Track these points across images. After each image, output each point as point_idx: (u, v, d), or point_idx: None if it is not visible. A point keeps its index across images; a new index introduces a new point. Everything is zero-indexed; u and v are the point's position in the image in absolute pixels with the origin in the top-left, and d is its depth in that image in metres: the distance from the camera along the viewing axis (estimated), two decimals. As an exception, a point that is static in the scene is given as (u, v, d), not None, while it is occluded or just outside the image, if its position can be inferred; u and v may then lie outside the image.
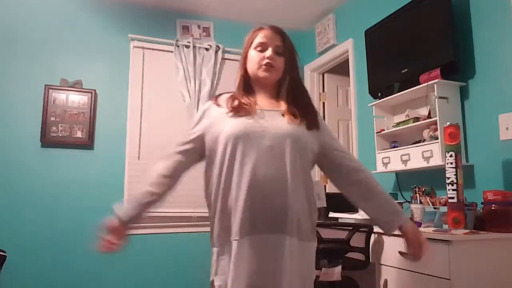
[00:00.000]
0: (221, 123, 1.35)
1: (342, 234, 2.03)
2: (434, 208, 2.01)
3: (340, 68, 3.61)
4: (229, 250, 1.30)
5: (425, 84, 2.22)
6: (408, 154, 2.34)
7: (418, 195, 2.17)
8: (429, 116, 2.23)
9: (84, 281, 2.99)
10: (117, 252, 1.39)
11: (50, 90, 3.05)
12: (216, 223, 1.38)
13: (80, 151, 3.13)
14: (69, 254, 2.98)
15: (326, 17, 3.56)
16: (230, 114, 1.34)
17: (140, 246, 3.17)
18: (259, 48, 1.38)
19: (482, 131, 2.09)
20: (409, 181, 2.45)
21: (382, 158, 2.55)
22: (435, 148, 2.14)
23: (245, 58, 1.44)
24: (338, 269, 1.90)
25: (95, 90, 3.19)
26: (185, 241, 3.29)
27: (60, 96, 3.08)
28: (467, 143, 2.17)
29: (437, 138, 2.14)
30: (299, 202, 1.30)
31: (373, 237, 2.03)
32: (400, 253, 1.83)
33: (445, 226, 1.86)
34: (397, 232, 1.44)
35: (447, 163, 1.85)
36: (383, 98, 2.59)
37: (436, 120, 2.14)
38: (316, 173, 3.32)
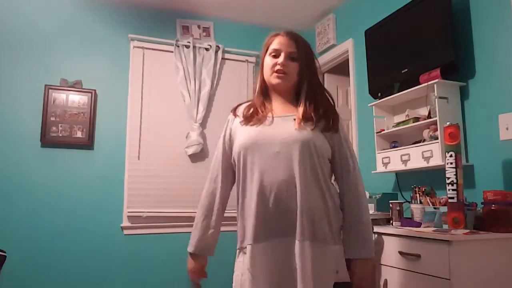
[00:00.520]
0: (236, 134, 1.43)
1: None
2: (434, 208, 2.01)
3: (340, 68, 3.61)
4: (243, 254, 1.36)
5: (425, 84, 2.22)
6: (408, 154, 2.34)
7: (418, 195, 2.17)
8: (429, 116, 2.23)
9: (84, 281, 2.99)
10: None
11: (50, 90, 3.05)
12: (238, 227, 1.42)
13: (80, 151, 3.13)
14: (69, 254, 2.98)
15: (326, 17, 3.56)
16: (243, 123, 1.41)
17: (140, 246, 3.17)
18: (273, 54, 1.40)
19: (482, 131, 2.09)
20: (409, 181, 2.45)
21: (382, 158, 2.55)
22: (435, 148, 2.14)
23: (262, 64, 1.46)
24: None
25: (95, 90, 3.19)
26: (185, 241, 3.27)
27: (60, 96, 3.08)
28: (467, 143, 2.17)
29: (437, 138, 2.14)
30: (312, 205, 1.29)
31: (373, 237, 2.03)
32: (400, 253, 1.84)
33: (445, 226, 1.85)
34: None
35: (447, 163, 1.85)
36: (383, 98, 2.59)
37: (436, 120, 2.14)
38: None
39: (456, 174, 1.82)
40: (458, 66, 2.16)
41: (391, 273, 1.90)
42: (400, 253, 1.83)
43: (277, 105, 1.43)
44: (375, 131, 2.63)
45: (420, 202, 2.13)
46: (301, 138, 1.31)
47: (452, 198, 1.81)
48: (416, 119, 2.33)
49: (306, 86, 1.39)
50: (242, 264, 1.36)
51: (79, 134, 3.11)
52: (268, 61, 1.41)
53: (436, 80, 2.16)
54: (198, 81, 3.42)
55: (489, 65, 2.08)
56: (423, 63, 2.31)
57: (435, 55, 2.24)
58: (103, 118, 3.22)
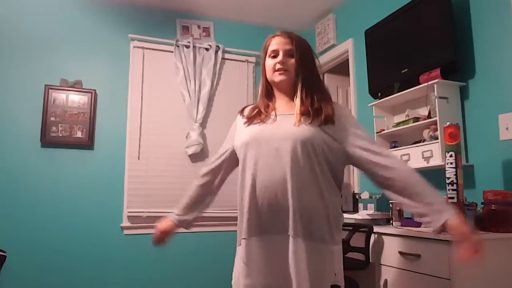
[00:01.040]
0: (240, 133, 1.46)
1: (342, 234, 2.03)
2: (434, 208, 2.00)
3: (340, 68, 3.61)
4: (240, 248, 1.39)
5: (425, 84, 2.22)
6: (408, 154, 2.34)
7: (418, 195, 2.16)
8: (429, 116, 2.23)
9: (84, 281, 2.99)
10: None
11: (50, 90, 3.05)
12: (238, 223, 1.45)
13: (80, 151, 3.13)
14: (69, 254, 2.98)
15: (326, 17, 3.56)
16: (246, 124, 1.44)
17: (140, 246, 3.17)
18: (272, 55, 1.43)
19: (482, 131, 2.09)
20: (409, 181, 2.44)
21: (382, 158, 2.55)
22: (435, 148, 2.14)
23: (263, 66, 1.49)
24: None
25: (95, 90, 3.19)
26: (185, 241, 3.29)
27: (60, 96, 3.08)
28: (467, 143, 2.17)
29: (437, 138, 2.14)
30: (307, 203, 1.29)
31: (373, 237, 2.03)
32: (400, 253, 1.84)
33: (445, 226, 1.85)
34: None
35: (447, 163, 1.85)
36: (383, 98, 2.59)
37: (436, 120, 2.14)
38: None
39: (456, 174, 1.82)
40: (458, 66, 2.16)
41: (391, 273, 1.90)
42: (400, 253, 1.84)
43: (282, 104, 1.45)
44: (375, 131, 2.63)
45: (420, 202, 2.12)
46: (298, 135, 1.31)
47: (452, 198, 1.81)
48: (416, 119, 2.33)
49: (302, 81, 1.41)
50: (238, 261, 1.39)
51: (79, 134, 3.11)
52: (269, 62, 1.45)
53: (436, 80, 2.16)
54: (198, 81, 3.42)
55: (489, 65, 2.08)
56: (423, 63, 2.31)
57: (435, 55, 2.24)
58: (103, 118, 3.22)
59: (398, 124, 2.51)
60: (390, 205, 2.17)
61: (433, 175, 2.24)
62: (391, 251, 1.91)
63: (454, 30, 2.18)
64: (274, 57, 1.42)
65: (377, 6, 2.91)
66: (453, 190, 1.82)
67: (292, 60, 1.40)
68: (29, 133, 3.00)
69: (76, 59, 3.20)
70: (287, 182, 1.29)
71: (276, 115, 1.41)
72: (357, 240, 2.00)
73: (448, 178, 1.84)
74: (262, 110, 1.44)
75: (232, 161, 1.54)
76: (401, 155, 2.39)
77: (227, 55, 3.61)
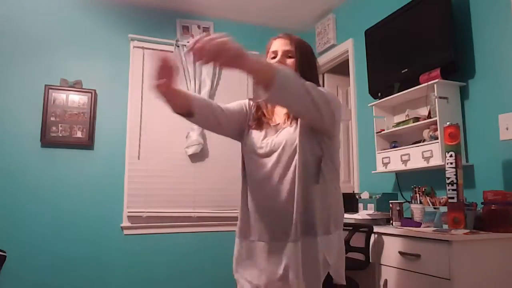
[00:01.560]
0: (247, 132, 1.47)
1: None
2: (434, 208, 2.01)
3: (340, 68, 3.61)
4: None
5: (425, 84, 2.22)
6: (408, 154, 2.34)
7: (418, 195, 2.17)
8: (429, 116, 2.23)
9: (84, 281, 2.99)
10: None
11: (50, 90, 3.05)
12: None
13: (80, 151, 3.13)
14: (69, 253, 2.98)
15: (326, 17, 3.56)
16: (252, 124, 1.46)
17: (140, 246, 3.17)
18: (272, 56, 1.45)
19: (482, 131, 2.09)
20: (409, 181, 2.45)
21: (382, 158, 2.55)
22: (435, 148, 2.14)
23: None
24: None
25: (95, 90, 3.19)
26: (185, 241, 3.29)
27: (60, 96, 3.08)
28: (467, 143, 2.17)
29: (437, 138, 2.14)
30: (292, 207, 1.28)
31: (373, 237, 2.03)
32: (400, 253, 1.84)
33: (445, 226, 1.86)
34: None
35: (447, 163, 1.85)
36: (383, 98, 2.59)
37: (436, 120, 2.14)
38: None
39: (456, 174, 1.82)
40: (458, 66, 2.16)
41: (391, 273, 1.90)
42: (400, 253, 1.84)
43: (281, 108, 1.45)
44: (375, 131, 2.63)
45: (420, 202, 2.13)
46: (288, 139, 1.33)
47: (452, 198, 1.81)
48: (416, 119, 2.33)
49: None
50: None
51: (79, 134, 3.11)
52: None
53: (436, 80, 2.16)
54: (198, 81, 3.42)
55: (489, 65, 2.08)
56: (423, 63, 2.31)
57: (435, 55, 2.24)
58: (103, 118, 3.22)
59: (398, 124, 2.51)
60: (390, 205, 2.17)
61: (433, 175, 2.25)
62: (391, 251, 1.91)
63: (454, 30, 2.18)
64: (274, 58, 1.44)
65: (377, 6, 2.91)
66: (453, 190, 1.82)
67: (290, 61, 1.41)
68: (29, 133, 3.00)
69: (76, 59, 3.20)
70: (279, 188, 1.32)
71: (275, 121, 1.43)
72: (357, 240, 2.00)
73: (448, 178, 1.84)
74: (264, 111, 1.47)
75: (231, 123, 1.45)
76: (401, 155, 2.39)
77: (227, 55, 3.60)
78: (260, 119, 1.45)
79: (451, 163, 1.84)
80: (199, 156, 3.38)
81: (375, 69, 2.76)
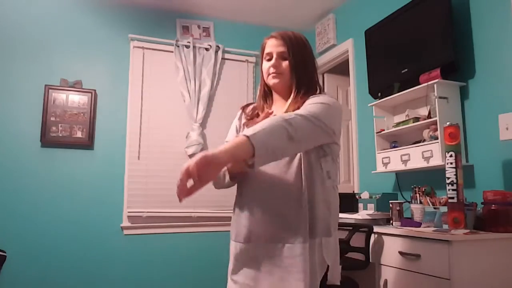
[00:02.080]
0: (241, 131, 1.45)
1: (342, 234, 2.02)
2: (434, 208, 2.01)
3: (340, 68, 3.61)
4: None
5: (425, 84, 2.22)
6: (408, 154, 2.34)
7: (418, 195, 2.16)
8: (429, 116, 2.23)
9: (84, 281, 2.99)
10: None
11: (50, 90, 3.05)
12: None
13: (80, 151, 3.13)
14: (69, 254, 2.98)
15: (326, 17, 3.56)
16: (246, 124, 1.44)
17: (140, 246, 3.17)
18: (267, 58, 1.42)
19: (482, 131, 2.09)
20: (409, 181, 2.45)
21: (382, 158, 2.55)
22: (435, 148, 2.14)
23: (261, 69, 1.48)
24: (338, 269, 1.90)
25: (95, 90, 3.19)
26: (185, 241, 3.29)
27: (60, 96, 3.08)
28: (467, 143, 2.17)
29: (437, 138, 2.14)
30: (286, 209, 1.27)
31: (373, 237, 2.03)
32: (400, 253, 1.84)
33: (445, 226, 1.86)
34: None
35: (447, 163, 1.85)
36: (383, 98, 2.59)
37: (436, 120, 2.14)
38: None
39: (456, 174, 1.82)
40: (458, 66, 2.16)
41: (391, 273, 1.90)
42: (400, 253, 1.84)
43: (279, 105, 1.45)
44: (375, 131, 2.63)
45: (420, 202, 2.13)
46: None
47: (452, 198, 1.81)
48: (416, 119, 2.33)
49: (296, 82, 1.40)
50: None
51: (79, 134, 3.11)
52: (264, 65, 1.44)
53: (436, 80, 2.16)
54: (198, 81, 3.42)
55: (489, 65, 2.08)
56: (423, 63, 2.31)
57: (435, 55, 2.24)
58: (103, 118, 3.22)
59: (398, 124, 2.51)
60: (390, 205, 2.17)
61: (433, 175, 2.25)
62: (391, 251, 1.91)
63: (454, 30, 2.18)
64: (269, 60, 1.41)
65: (377, 6, 2.91)
66: (453, 190, 1.82)
67: (286, 63, 1.39)
68: (29, 133, 3.00)
69: (76, 59, 3.20)
70: (275, 188, 1.29)
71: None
72: (357, 240, 2.00)
73: (448, 178, 1.84)
74: (260, 112, 1.44)
75: None
76: (401, 155, 2.39)
77: (227, 55, 3.61)
78: (254, 118, 1.43)
79: (451, 163, 1.84)
80: (199, 156, 3.37)
81: (375, 69, 2.76)
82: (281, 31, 1.44)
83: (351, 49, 3.23)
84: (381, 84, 2.68)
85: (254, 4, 3.43)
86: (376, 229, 2.02)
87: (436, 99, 2.14)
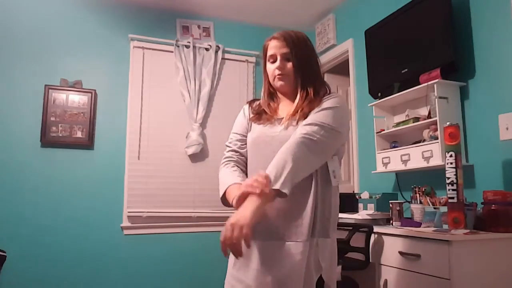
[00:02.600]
0: (250, 127, 1.46)
1: (342, 234, 2.03)
2: (434, 208, 2.01)
3: (340, 68, 3.61)
4: None
5: (425, 84, 2.22)
6: (408, 154, 2.34)
7: (418, 195, 2.17)
8: (429, 116, 2.23)
9: (84, 281, 2.99)
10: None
11: (50, 90, 3.05)
12: None
13: (80, 151, 3.13)
14: (69, 254, 2.98)
15: (326, 17, 3.56)
16: (253, 119, 1.45)
17: (140, 246, 3.17)
18: (271, 60, 1.42)
19: (482, 131, 2.09)
20: (409, 181, 2.45)
21: (382, 158, 2.55)
22: (435, 148, 2.14)
23: (264, 70, 1.48)
24: (338, 269, 1.90)
25: (95, 90, 3.19)
26: (185, 241, 3.29)
27: (60, 96, 3.08)
28: (467, 143, 2.17)
29: (437, 138, 2.14)
30: (289, 207, 1.27)
31: (373, 237, 2.03)
32: (400, 253, 1.84)
33: (445, 226, 1.86)
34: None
35: (447, 163, 1.85)
36: (383, 98, 2.59)
37: (436, 120, 2.14)
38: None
39: (456, 174, 1.82)
40: (458, 66, 2.16)
41: (391, 273, 1.90)
42: (400, 253, 1.84)
43: (284, 105, 1.45)
44: (375, 131, 2.63)
45: (420, 202, 2.13)
46: (283, 138, 1.29)
47: (452, 198, 1.81)
48: (416, 119, 2.33)
49: (301, 83, 1.40)
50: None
51: (79, 134, 3.11)
52: (269, 67, 1.43)
53: (436, 80, 2.16)
54: (198, 81, 3.42)
55: (489, 65, 2.08)
56: (423, 63, 2.31)
57: (435, 55, 2.24)
58: (103, 118, 3.22)
59: (398, 124, 2.51)
60: (390, 205, 2.17)
61: (433, 175, 2.25)
62: (391, 251, 1.91)
63: (454, 30, 2.18)
64: (273, 61, 1.41)
65: (377, 6, 2.91)
66: (453, 190, 1.82)
67: (290, 64, 1.39)
68: (29, 133, 3.00)
69: (76, 59, 3.20)
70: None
71: (277, 119, 1.40)
72: (357, 240, 2.00)
73: (448, 178, 1.84)
74: (266, 109, 1.44)
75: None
76: (401, 155, 2.39)
77: (227, 55, 3.61)
78: (261, 114, 1.44)
79: (451, 163, 1.84)
80: (199, 156, 3.38)
81: (375, 69, 2.76)
82: (282, 31, 1.44)
83: (351, 49, 3.23)
84: (381, 84, 2.68)
85: (254, 4, 3.43)
86: (376, 229, 2.02)
87: (436, 99, 2.14)
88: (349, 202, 2.57)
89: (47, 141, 3.02)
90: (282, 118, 1.39)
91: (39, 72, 3.08)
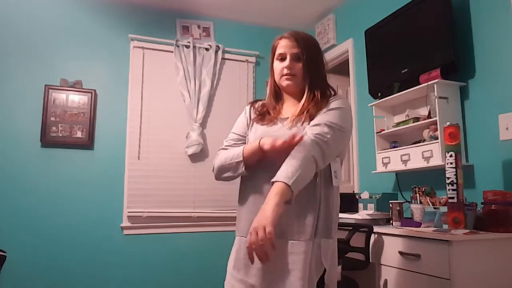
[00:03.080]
0: (251, 128, 1.46)
1: (342, 234, 2.03)
2: (434, 208, 2.01)
3: (340, 68, 3.61)
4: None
5: (425, 84, 2.22)
6: (408, 154, 2.34)
7: (418, 195, 2.17)
8: (429, 116, 2.23)
9: (84, 280, 2.99)
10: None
11: (50, 90, 3.05)
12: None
13: (80, 151, 3.13)
14: (69, 253, 2.98)
15: (326, 17, 3.56)
16: (256, 120, 1.45)
17: (140, 246, 3.17)
18: (279, 58, 1.42)
19: (482, 131, 2.09)
20: (409, 181, 2.45)
21: (382, 158, 2.55)
22: (435, 148, 2.14)
23: (271, 68, 1.48)
24: (338, 269, 1.90)
25: (95, 90, 3.19)
26: (185, 241, 3.29)
27: (60, 96, 3.08)
28: (467, 143, 2.17)
29: (437, 138, 2.14)
30: (302, 206, 1.27)
31: (373, 237, 2.03)
32: (400, 253, 1.84)
33: (445, 226, 1.86)
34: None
35: (447, 163, 1.85)
36: (383, 98, 2.59)
37: (436, 120, 2.14)
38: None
39: (456, 174, 1.82)
40: (458, 66, 2.16)
41: (391, 273, 1.90)
42: (400, 253, 1.84)
43: (288, 106, 1.44)
44: (375, 131, 2.63)
45: (420, 202, 2.13)
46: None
47: (452, 198, 1.81)
48: (416, 119, 2.33)
49: (309, 84, 1.40)
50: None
51: (79, 134, 3.11)
52: (277, 65, 1.43)
53: (436, 80, 2.16)
54: (198, 81, 3.42)
55: (489, 65, 2.08)
56: (423, 63, 2.31)
57: (435, 55, 2.24)
58: (103, 118, 3.22)
59: (398, 124, 2.51)
60: (390, 205, 2.17)
61: (433, 175, 2.25)
62: (391, 251, 1.91)
63: (454, 30, 2.18)
64: (282, 60, 1.40)
65: (377, 6, 2.91)
66: (453, 190, 1.82)
67: (299, 65, 1.38)
68: (29, 133, 3.00)
69: (76, 59, 3.20)
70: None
71: (281, 119, 1.40)
72: (357, 240, 2.00)
73: (448, 178, 1.84)
74: (270, 111, 1.44)
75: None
76: (401, 155, 2.39)
77: (227, 55, 3.61)
78: (264, 115, 1.44)
79: (451, 163, 1.84)
80: (199, 156, 3.38)
81: (375, 69, 2.76)
82: (292, 31, 1.44)
83: (351, 49, 3.23)
84: (381, 84, 2.68)
85: (254, 4, 3.43)
86: (376, 229, 2.02)
87: (436, 99, 2.14)
88: (349, 202, 2.56)
89: (47, 141, 3.02)
90: (286, 118, 1.39)
91: (39, 72, 3.08)
